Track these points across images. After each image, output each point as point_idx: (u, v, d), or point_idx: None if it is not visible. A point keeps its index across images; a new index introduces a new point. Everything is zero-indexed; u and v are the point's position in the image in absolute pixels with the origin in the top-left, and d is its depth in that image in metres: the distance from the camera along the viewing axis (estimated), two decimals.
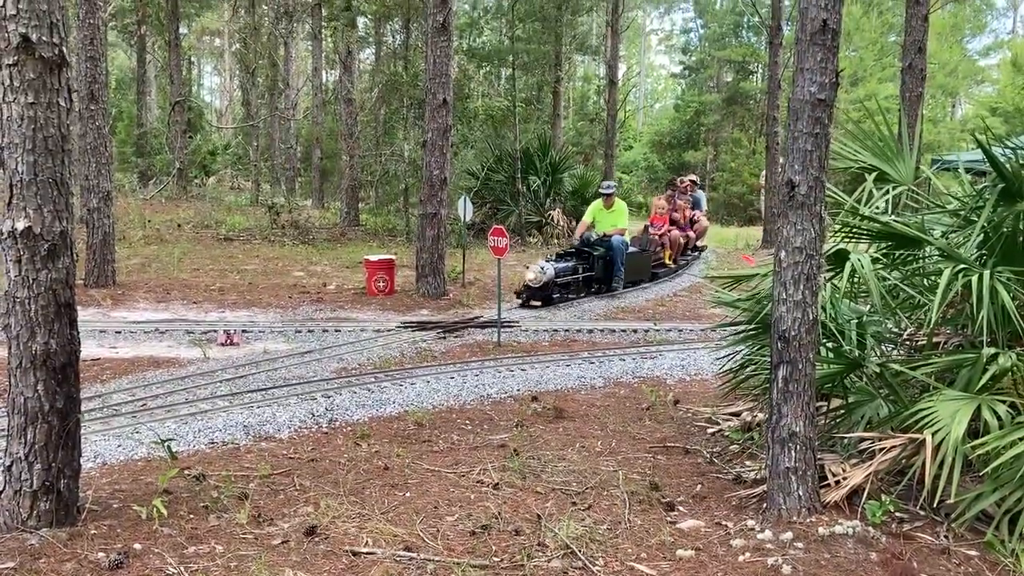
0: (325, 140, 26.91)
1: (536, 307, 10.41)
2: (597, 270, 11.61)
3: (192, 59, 46.12)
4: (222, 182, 31.95)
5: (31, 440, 3.55)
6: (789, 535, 3.65)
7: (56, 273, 3.52)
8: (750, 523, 3.84)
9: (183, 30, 34.88)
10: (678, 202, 15.17)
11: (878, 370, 4.40)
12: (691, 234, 15.75)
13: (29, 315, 3.49)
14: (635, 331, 9.25)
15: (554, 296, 10.63)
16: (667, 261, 14.22)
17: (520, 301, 10.59)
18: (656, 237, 14.08)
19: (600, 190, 12.50)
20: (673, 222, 14.80)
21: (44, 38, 3.38)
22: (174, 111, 26.27)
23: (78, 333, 3.69)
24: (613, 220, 12.01)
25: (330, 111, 28.73)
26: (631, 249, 12.44)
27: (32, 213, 3.44)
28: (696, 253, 16.53)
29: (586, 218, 12.31)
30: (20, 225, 3.43)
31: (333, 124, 27.12)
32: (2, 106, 3.41)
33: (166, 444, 4.50)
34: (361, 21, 27.09)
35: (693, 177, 17.51)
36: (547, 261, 10.94)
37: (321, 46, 26.86)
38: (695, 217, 15.99)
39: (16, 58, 3.36)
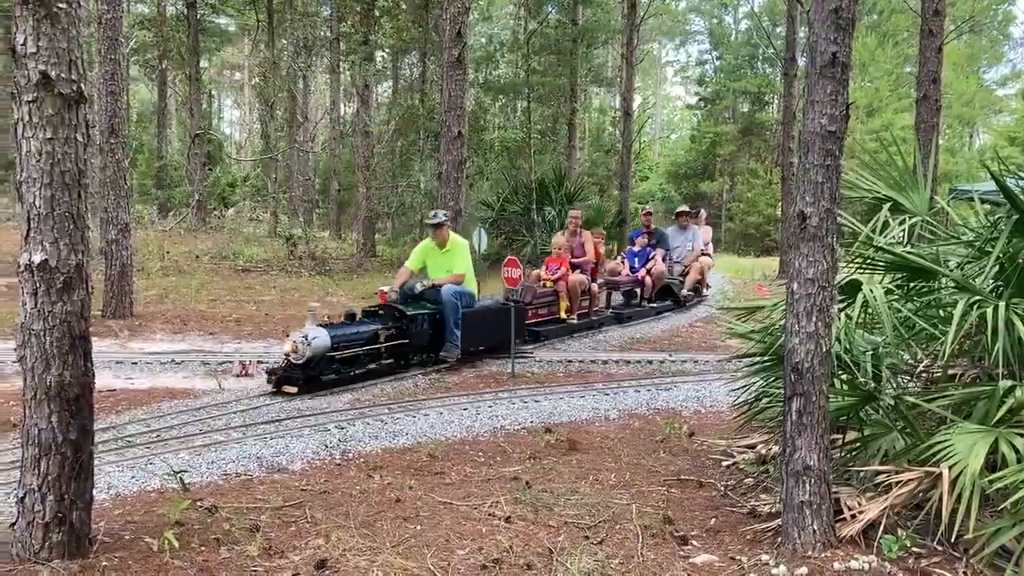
0: (342, 172, 27.18)
1: (292, 394, 7.09)
2: (415, 335, 8.21)
3: (212, 93, 46.76)
4: (241, 214, 32.22)
5: (44, 471, 3.57)
6: (804, 570, 3.60)
7: (71, 306, 3.55)
8: (764, 557, 3.79)
9: (203, 64, 35.43)
10: (586, 234, 11.49)
11: (893, 402, 4.36)
12: (647, 280, 12.89)
13: (44, 347, 3.52)
14: (650, 362, 9.21)
15: (324, 378, 7.33)
16: (563, 315, 10.75)
17: (274, 385, 7.25)
18: (545, 284, 10.69)
19: (428, 220, 9.18)
20: (576, 265, 11.01)
21: (63, 75, 3.45)
22: (194, 144, 26.61)
23: (92, 365, 3.72)
24: (449, 263, 8.82)
25: (347, 143, 29.00)
26: (485, 302, 9.38)
27: (48, 246, 3.48)
28: (668, 301, 13.43)
29: (410, 263, 9.08)
30: (36, 258, 3.47)
31: (350, 156, 27.37)
32: (21, 142, 3.46)
33: (179, 476, 4.51)
34: (378, 55, 27.46)
35: (684, 208, 15.04)
36: (323, 325, 7.53)
37: (339, 80, 27.21)
38: (651, 257, 13.12)
39: (35, 95, 3.42)
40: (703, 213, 15.75)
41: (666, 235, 13.82)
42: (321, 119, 35.10)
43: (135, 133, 31.58)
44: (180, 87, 34.01)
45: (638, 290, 13.00)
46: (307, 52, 28.41)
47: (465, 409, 6.91)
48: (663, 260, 13.24)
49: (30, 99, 3.42)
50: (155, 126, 33.52)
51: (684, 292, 13.77)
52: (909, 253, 4.55)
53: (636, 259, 13.31)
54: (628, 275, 12.96)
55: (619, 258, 13.44)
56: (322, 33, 28.16)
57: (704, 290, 14.81)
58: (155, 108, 34.70)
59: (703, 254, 14.59)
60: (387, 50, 28.03)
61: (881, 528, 3.84)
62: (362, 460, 5.48)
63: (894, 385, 4.71)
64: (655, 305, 12.96)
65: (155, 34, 28.65)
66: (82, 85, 3.53)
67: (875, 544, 3.78)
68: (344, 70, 27.57)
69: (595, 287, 11.20)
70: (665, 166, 50.43)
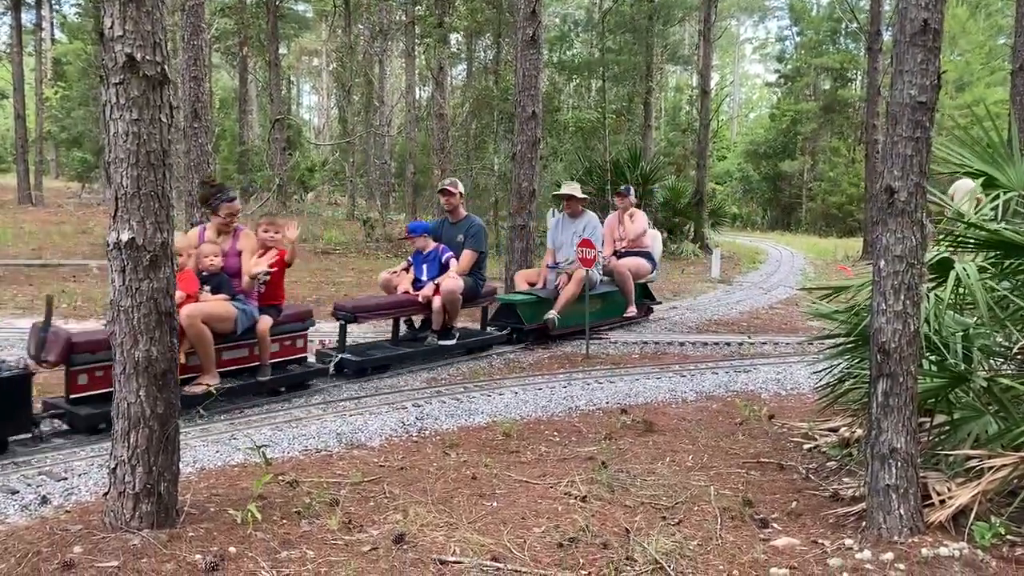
0: (418, 155, 27.39)
1: None
2: None
3: (291, 78, 47.65)
4: (320, 197, 32.84)
5: (133, 444, 3.68)
6: (890, 555, 3.49)
7: (157, 283, 3.65)
8: (848, 542, 3.69)
9: (283, 50, 36.10)
10: (243, 235, 6.46)
11: (986, 385, 4.18)
12: (435, 301, 7.78)
13: (132, 323, 3.63)
14: (728, 344, 9.07)
15: None
16: (200, 383, 5.89)
17: None
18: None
19: None
20: (207, 280, 6.12)
21: (148, 57, 3.52)
22: (274, 129, 27.14)
23: (177, 341, 3.82)
24: None
25: (423, 126, 29.24)
26: None
27: (135, 225, 3.58)
28: (507, 330, 8.70)
29: None
30: (124, 236, 3.57)
31: (426, 139, 27.59)
32: (109, 123, 3.56)
33: (261, 450, 4.61)
34: (453, 38, 27.54)
35: (570, 189, 9.69)
36: None
37: (414, 63, 27.37)
38: (442, 266, 8.01)
39: (122, 77, 3.50)
40: (631, 195, 10.61)
41: (480, 227, 8.47)
42: (397, 103, 35.42)
43: (217, 119, 32.39)
44: (260, 73, 34.71)
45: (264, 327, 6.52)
46: (383, 36, 28.64)
47: (540, 389, 6.91)
48: (460, 270, 8.05)
49: (117, 81, 3.51)
50: (236, 112, 34.32)
51: (550, 315, 8.80)
52: (1005, 229, 4.35)
53: (425, 267, 8.10)
54: (405, 294, 7.94)
55: (403, 264, 8.51)
56: (397, 17, 28.37)
57: (631, 309, 9.93)
58: (236, 94, 35.53)
59: (626, 253, 10.12)
60: (461, 32, 28.06)
61: (972, 515, 3.69)
62: (439, 438, 5.53)
63: (986, 367, 4.53)
64: (451, 342, 7.93)
65: (236, 21, 29.24)
66: (166, 67, 3.61)
67: (966, 531, 3.64)
68: (419, 54, 27.70)
69: (264, 324, 6.31)
70: (743, 145, 49.48)
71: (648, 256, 10.24)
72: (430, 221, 8.59)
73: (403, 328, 8.26)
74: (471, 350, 8.23)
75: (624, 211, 10.41)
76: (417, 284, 8.03)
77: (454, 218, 8.58)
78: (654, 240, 10.46)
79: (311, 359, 7.11)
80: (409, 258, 8.40)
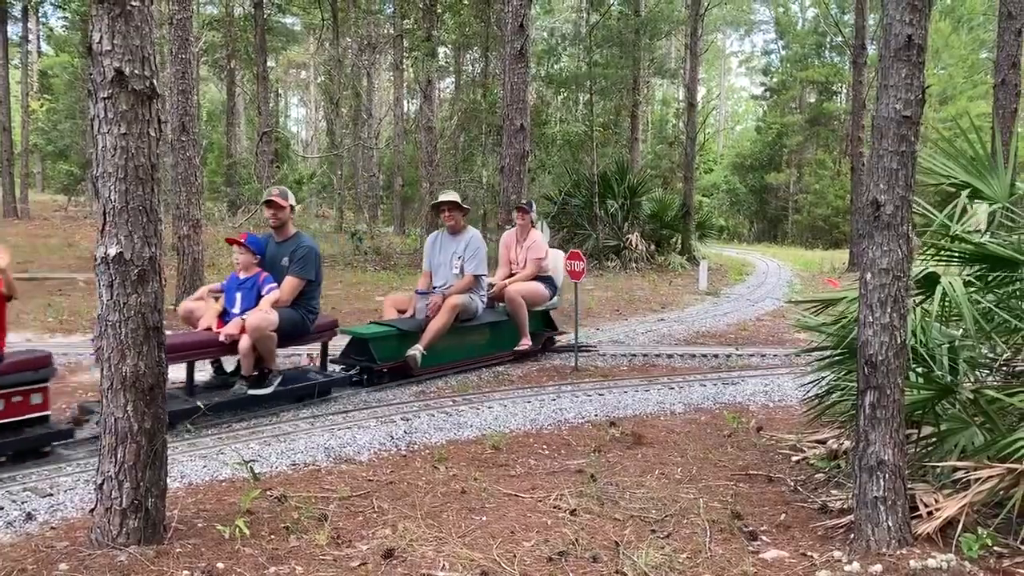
0: (406, 168, 27.43)
1: None
2: None
3: (279, 91, 47.61)
4: (307, 210, 32.75)
5: (121, 459, 3.66)
6: (878, 568, 3.50)
7: (145, 297, 3.64)
8: (837, 554, 3.70)
9: (271, 63, 36.09)
10: None
11: (972, 396, 4.21)
12: (243, 341, 6.19)
13: (120, 338, 3.62)
14: (716, 356, 9.09)
15: None
16: None
17: None
18: None
19: None
20: None
21: (136, 72, 3.52)
22: (262, 141, 27.09)
23: (165, 356, 3.81)
24: None
25: (411, 139, 29.28)
26: None
27: (123, 239, 3.57)
28: (352, 370, 7.36)
29: None
30: (112, 251, 3.56)
31: (414, 152, 27.62)
32: (97, 137, 3.56)
33: (249, 465, 4.59)
34: (441, 51, 27.64)
35: (449, 195, 8.25)
36: None
37: (403, 76, 27.46)
38: (264, 294, 6.45)
39: (110, 91, 3.50)
40: (532, 212, 9.16)
41: (309, 248, 6.72)
42: (385, 116, 35.46)
43: (205, 131, 32.35)
44: (248, 86, 34.70)
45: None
46: (371, 49, 28.68)
47: (529, 402, 6.91)
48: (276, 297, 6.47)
49: (105, 95, 3.50)
50: (224, 124, 34.27)
51: (413, 351, 7.46)
52: (989, 242, 4.39)
53: (239, 296, 6.53)
54: (206, 330, 6.34)
55: (211, 286, 6.95)
56: (385, 30, 28.44)
57: (525, 342, 8.51)
58: (224, 107, 35.49)
59: (533, 278, 8.70)
60: (449, 46, 28.20)
61: (960, 526, 3.71)
62: (427, 451, 5.51)
63: (972, 379, 4.56)
64: (266, 391, 6.42)
65: (223, 34, 29.27)
66: (154, 81, 3.61)
67: (953, 543, 3.65)
68: (407, 67, 27.79)
69: None
70: (730, 158, 49.78)
71: (548, 281, 8.87)
72: (255, 238, 6.84)
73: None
74: (301, 397, 6.71)
75: (523, 229, 8.99)
76: (226, 317, 6.47)
77: (280, 236, 6.84)
78: (556, 262, 9.01)
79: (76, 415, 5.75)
80: (222, 282, 6.81)
